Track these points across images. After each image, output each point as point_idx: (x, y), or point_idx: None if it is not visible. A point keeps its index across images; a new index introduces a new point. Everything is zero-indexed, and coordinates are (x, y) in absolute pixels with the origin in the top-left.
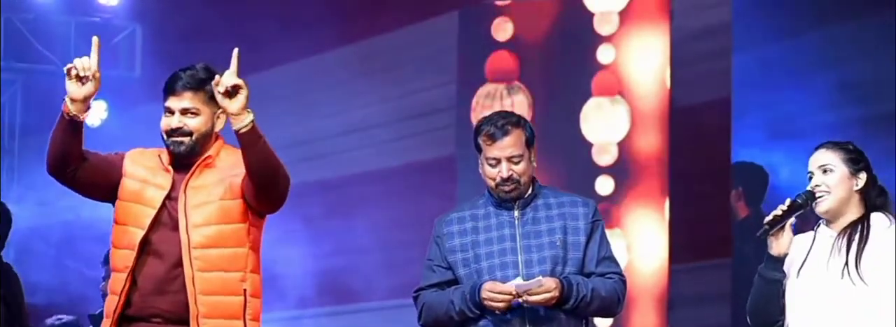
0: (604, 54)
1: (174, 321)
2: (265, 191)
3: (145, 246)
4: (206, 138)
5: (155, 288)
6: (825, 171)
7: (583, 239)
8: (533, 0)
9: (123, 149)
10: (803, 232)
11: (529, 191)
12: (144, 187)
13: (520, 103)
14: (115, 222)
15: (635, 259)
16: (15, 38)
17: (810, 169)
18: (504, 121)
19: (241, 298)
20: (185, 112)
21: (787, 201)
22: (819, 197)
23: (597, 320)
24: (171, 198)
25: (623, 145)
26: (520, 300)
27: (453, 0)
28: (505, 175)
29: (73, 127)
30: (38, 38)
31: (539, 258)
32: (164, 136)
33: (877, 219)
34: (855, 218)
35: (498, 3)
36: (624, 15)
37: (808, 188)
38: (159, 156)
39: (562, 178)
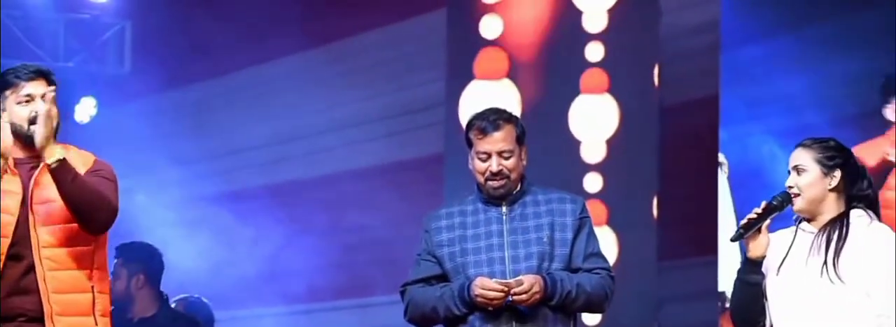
0: (592, 52)
1: (37, 319)
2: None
3: (9, 251)
4: (57, 131)
5: (16, 288)
6: (799, 172)
7: (570, 235)
8: None
9: (113, 144)
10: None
11: (518, 188)
12: None
13: (508, 100)
14: None
15: (624, 255)
16: (4, 35)
17: (789, 167)
18: (496, 116)
19: (90, 295)
20: (45, 97)
21: (763, 204)
22: (793, 197)
23: (585, 316)
24: (23, 201)
25: (611, 142)
26: (509, 298)
27: None
28: (494, 169)
29: None
30: (27, 35)
31: (526, 254)
32: (25, 126)
33: (856, 216)
34: (834, 215)
35: (486, 0)
36: (612, 12)
37: (786, 187)
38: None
39: (550, 175)
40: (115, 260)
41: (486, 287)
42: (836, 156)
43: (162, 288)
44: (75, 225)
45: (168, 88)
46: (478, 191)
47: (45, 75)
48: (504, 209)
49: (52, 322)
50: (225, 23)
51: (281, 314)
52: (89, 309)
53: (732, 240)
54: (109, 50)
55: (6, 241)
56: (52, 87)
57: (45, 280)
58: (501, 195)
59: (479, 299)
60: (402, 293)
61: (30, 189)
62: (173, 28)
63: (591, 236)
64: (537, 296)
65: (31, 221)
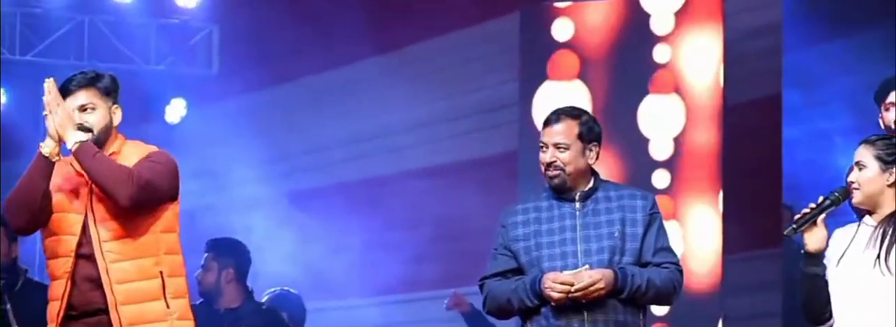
0: (660, 54)
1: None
2: (109, 195)
3: (78, 249)
4: (107, 132)
5: (93, 285)
6: (860, 167)
7: (640, 230)
8: (592, 1)
9: (203, 143)
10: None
11: (590, 185)
12: (65, 196)
13: (579, 100)
14: (48, 235)
15: (691, 249)
16: (98, 38)
17: (853, 161)
18: (562, 111)
19: (159, 280)
20: (82, 108)
21: (820, 198)
22: (853, 191)
23: (654, 307)
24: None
25: (679, 140)
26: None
27: (515, 2)
28: (547, 160)
29: (51, 169)
30: (119, 38)
31: (598, 248)
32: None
33: None
34: (893, 210)
35: (557, 4)
36: (679, 15)
37: (847, 182)
38: (71, 163)
39: (621, 172)
40: (206, 254)
41: (556, 280)
42: (895, 154)
43: (252, 282)
44: (135, 217)
45: (254, 89)
46: (550, 187)
47: (87, 84)
48: (577, 204)
49: (117, 311)
50: (308, 27)
51: (369, 304)
52: (159, 294)
53: (786, 234)
54: (198, 53)
55: (74, 239)
56: (96, 89)
57: (107, 271)
58: (557, 185)
59: (547, 292)
60: (481, 286)
61: (88, 187)
62: (258, 32)
63: (661, 231)
64: (601, 292)
65: (89, 219)
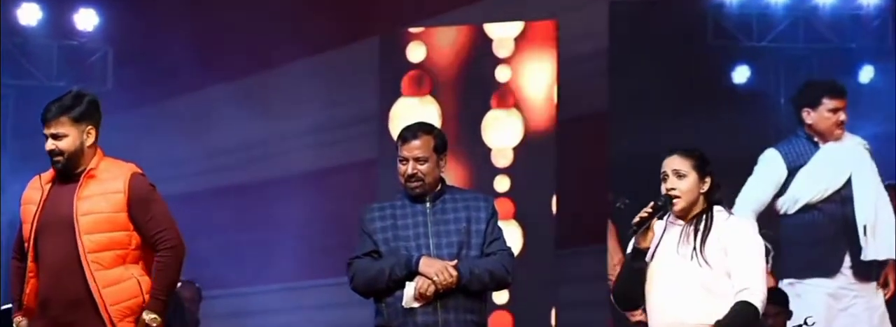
0: (501, 74)
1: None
2: None
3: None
4: (79, 153)
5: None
6: (679, 176)
7: (483, 227)
8: (442, 27)
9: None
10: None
11: (438, 188)
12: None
13: (430, 114)
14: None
15: (528, 245)
16: (7, 57)
17: (665, 170)
18: (417, 128)
19: (134, 281)
20: (56, 136)
21: (651, 204)
22: (674, 199)
23: (495, 295)
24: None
25: (517, 150)
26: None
27: (374, 27)
28: (410, 172)
29: None
30: (27, 58)
31: (447, 242)
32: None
33: (717, 211)
34: (699, 211)
35: (412, 30)
36: (518, 41)
37: (664, 190)
38: (40, 176)
39: (467, 178)
40: None
41: (443, 272)
42: (707, 165)
43: None
44: (114, 234)
45: (144, 104)
46: (405, 191)
47: (60, 114)
48: (428, 205)
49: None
50: (191, 49)
51: (255, 293)
52: (138, 292)
53: (631, 235)
54: (95, 71)
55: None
56: (69, 118)
57: (94, 279)
58: (419, 194)
59: (435, 277)
60: (349, 265)
61: (74, 201)
62: (147, 53)
63: (496, 226)
64: (452, 283)
65: (76, 230)
